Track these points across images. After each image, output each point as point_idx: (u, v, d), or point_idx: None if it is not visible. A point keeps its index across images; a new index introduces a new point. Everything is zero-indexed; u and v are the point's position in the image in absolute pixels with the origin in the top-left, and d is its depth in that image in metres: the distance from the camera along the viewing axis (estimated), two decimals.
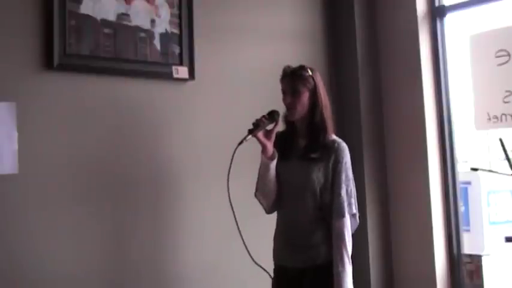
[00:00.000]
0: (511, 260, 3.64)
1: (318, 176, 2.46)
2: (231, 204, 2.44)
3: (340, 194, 2.45)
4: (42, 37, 2.61)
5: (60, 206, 2.62)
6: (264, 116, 2.49)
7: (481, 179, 3.92)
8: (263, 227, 2.66)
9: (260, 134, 2.46)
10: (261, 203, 2.60)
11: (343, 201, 2.45)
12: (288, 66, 2.56)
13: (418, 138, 3.43)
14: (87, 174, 2.70)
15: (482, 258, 3.64)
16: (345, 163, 2.49)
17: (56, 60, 2.62)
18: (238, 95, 3.20)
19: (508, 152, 3.05)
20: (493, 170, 3.76)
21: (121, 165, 2.80)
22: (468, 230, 3.77)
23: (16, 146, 2.50)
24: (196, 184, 3.02)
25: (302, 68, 2.54)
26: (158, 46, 2.93)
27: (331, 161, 2.47)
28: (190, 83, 3.04)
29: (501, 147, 3.05)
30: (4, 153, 2.48)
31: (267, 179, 2.52)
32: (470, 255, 3.57)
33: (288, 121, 2.58)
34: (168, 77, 2.96)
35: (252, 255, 2.47)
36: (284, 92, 2.54)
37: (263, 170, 2.52)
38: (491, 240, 3.82)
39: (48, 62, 2.61)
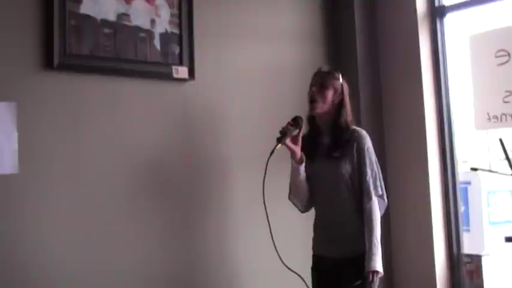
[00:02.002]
0: (511, 260, 3.64)
1: (345, 168, 2.62)
2: (266, 214, 2.50)
3: (366, 179, 2.61)
4: (42, 37, 2.61)
5: (60, 206, 2.61)
6: (289, 123, 2.61)
7: (481, 179, 3.92)
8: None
9: (288, 141, 2.58)
10: (295, 205, 2.78)
11: (370, 185, 2.61)
12: (324, 66, 2.81)
13: (418, 138, 3.43)
14: (87, 174, 2.70)
15: (482, 258, 3.64)
16: (367, 148, 2.65)
17: (56, 60, 2.61)
18: (238, 94, 3.20)
19: (508, 152, 3.04)
20: (493, 170, 3.76)
21: (120, 164, 2.80)
22: (468, 230, 3.77)
23: (16, 146, 2.50)
24: (196, 183, 3.02)
25: (335, 69, 2.77)
26: (158, 46, 2.93)
27: (355, 150, 2.63)
28: (190, 83, 3.03)
29: (501, 147, 3.05)
30: (4, 153, 2.48)
31: (298, 181, 2.67)
32: (470, 255, 3.57)
33: (311, 123, 2.72)
34: (168, 77, 2.96)
35: (288, 256, 2.53)
36: (311, 86, 2.69)
37: (294, 173, 2.66)
38: (491, 240, 3.82)
39: (48, 62, 2.61)
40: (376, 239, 2.54)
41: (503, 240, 3.20)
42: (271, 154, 2.52)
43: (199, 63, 3.04)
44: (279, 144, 2.54)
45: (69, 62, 2.66)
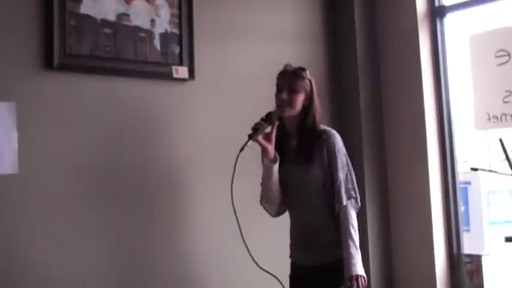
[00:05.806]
0: (511, 260, 3.64)
1: (315, 172, 2.49)
2: (234, 211, 2.42)
3: (338, 181, 2.48)
4: (42, 37, 2.61)
5: (60, 206, 2.61)
6: (262, 119, 2.48)
7: (481, 179, 3.93)
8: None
9: (260, 138, 2.46)
10: (266, 210, 2.63)
11: (342, 188, 2.48)
12: (290, 65, 2.58)
13: (418, 138, 3.43)
14: (87, 174, 2.70)
15: (482, 258, 3.64)
16: (338, 150, 2.51)
17: (56, 60, 2.62)
18: (238, 95, 3.20)
19: (508, 152, 3.04)
20: (493, 170, 3.76)
21: (121, 165, 2.80)
22: (468, 230, 3.77)
23: (16, 146, 2.50)
24: (196, 184, 3.02)
25: (303, 69, 2.57)
26: (158, 46, 2.93)
27: (325, 151, 2.49)
28: (190, 83, 3.04)
29: (501, 147, 3.05)
30: (4, 153, 2.48)
31: (270, 183, 2.53)
32: (470, 255, 3.58)
33: (278, 125, 2.55)
34: (168, 77, 2.96)
35: (259, 257, 2.46)
36: (280, 88, 2.54)
37: (266, 173, 2.52)
38: (491, 240, 3.82)
39: (48, 62, 2.61)
40: (355, 243, 2.43)
41: (503, 240, 3.20)
42: (240, 151, 2.40)
43: (199, 63, 3.05)
44: (250, 141, 2.42)
45: (69, 62, 2.67)
